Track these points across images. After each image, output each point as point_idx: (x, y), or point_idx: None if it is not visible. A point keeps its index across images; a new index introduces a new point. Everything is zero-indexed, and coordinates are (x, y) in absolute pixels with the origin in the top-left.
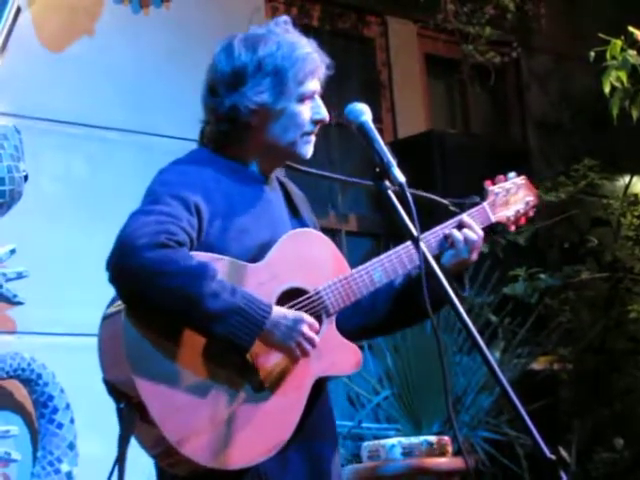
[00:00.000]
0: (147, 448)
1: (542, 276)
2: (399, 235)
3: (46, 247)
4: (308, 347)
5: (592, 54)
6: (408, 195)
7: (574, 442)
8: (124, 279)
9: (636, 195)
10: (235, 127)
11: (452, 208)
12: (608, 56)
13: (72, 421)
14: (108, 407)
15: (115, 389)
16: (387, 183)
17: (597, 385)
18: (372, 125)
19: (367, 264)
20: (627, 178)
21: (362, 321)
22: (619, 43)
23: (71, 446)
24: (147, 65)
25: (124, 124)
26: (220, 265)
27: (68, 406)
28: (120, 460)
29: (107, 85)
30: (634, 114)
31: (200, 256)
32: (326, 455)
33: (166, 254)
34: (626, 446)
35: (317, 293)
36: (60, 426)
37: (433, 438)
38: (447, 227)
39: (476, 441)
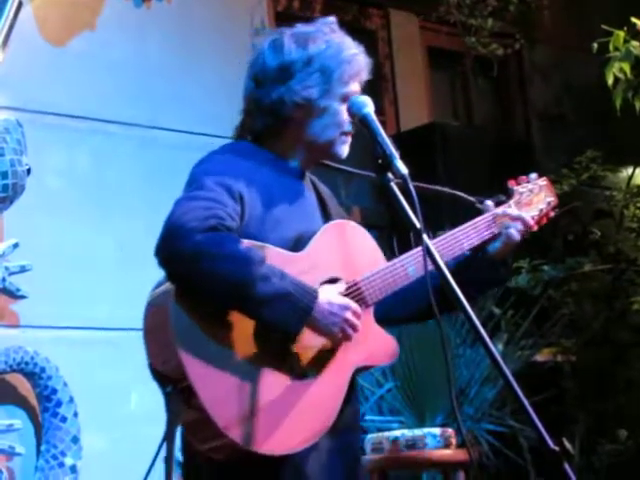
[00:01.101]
0: (191, 432)
1: (545, 268)
2: (403, 227)
3: (49, 241)
4: (351, 334)
5: (595, 46)
6: (411, 187)
7: (578, 434)
8: (175, 262)
9: (639, 187)
10: (277, 120)
11: (478, 206)
12: (611, 47)
13: (76, 415)
14: (112, 401)
15: (161, 374)
16: (390, 175)
17: (600, 377)
18: (375, 117)
19: (402, 257)
20: (630, 170)
21: (402, 312)
22: (622, 34)
23: (75, 440)
24: (149, 59)
25: (127, 118)
26: (266, 253)
27: (72, 399)
28: (169, 443)
29: (109, 79)
30: (637, 105)
31: (249, 244)
32: (354, 445)
33: (217, 237)
34: (630, 437)
35: (355, 284)
36: (64, 420)
37: (437, 430)
38: (485, 219)
39: (480, 433)
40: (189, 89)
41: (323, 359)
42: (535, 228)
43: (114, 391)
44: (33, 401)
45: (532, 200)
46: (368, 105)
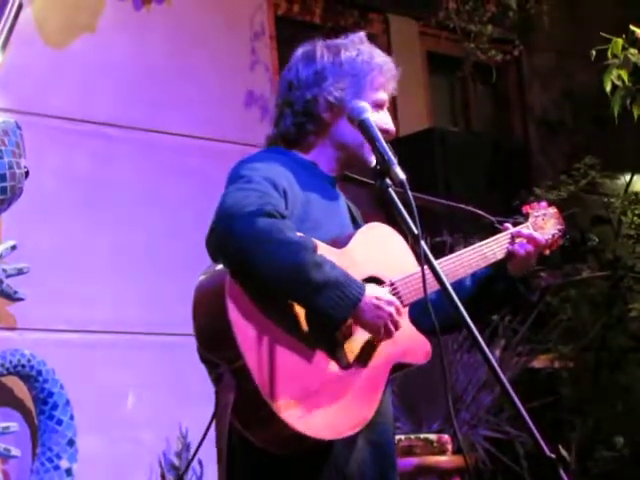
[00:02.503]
0: (243, 420)
1: (542, 274)
2: (400, 233)
3: (47, 243)
4: (393, 330)
5: (593, 52)
6: (409, 193)
7: (574, 440)
8: (233, 243)
9: (637, 193)
10: (309, 121)
11: (497, 226)
12: (609, 55)
13: (72, 417)
14: (108, 404)
15: (214, 355)
16: (388, 181)
17: (597, 383)
18: (373, 123)
19: (437, 261)
20: (628, 176)
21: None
22: (620, 42)
23: (71, 442)
24: (149, 62)
25: (125, 120)
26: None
27: (68, 402)
28: (220, 429)
29: (109, 82)
30: (635, 113)
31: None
32: (388, 439)
33: (275, 222)
34: (626, 444)
35: (392, 284)
36: (60, 422)
37: (433, 436)
38: (500, 238)
39: (476, 439)
40: (188, 92)
41: (367, 352)
42: (547, 252)
43: (111, 394)
44: (29, 404)
45: (545, 225)
46: (367, 110)
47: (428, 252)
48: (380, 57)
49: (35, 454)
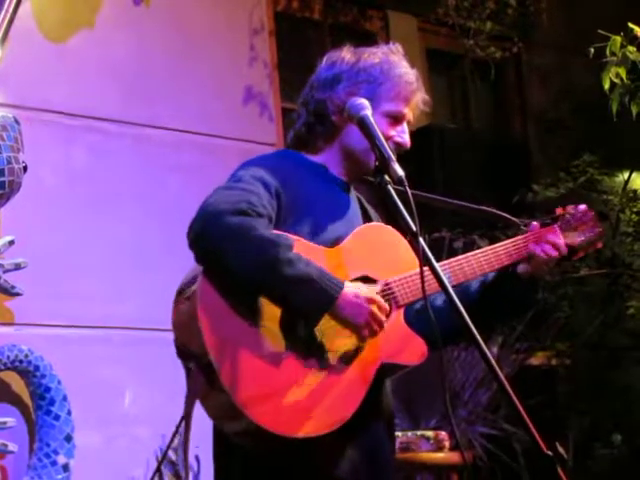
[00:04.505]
0: (214, 415)
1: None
2: (399, 230)
3: (45, 238)
4: (376, 327)
5: (592, 50)
6: (408, 190)
7: (572, 438)
8: (204, 242)
9: (635, 191)
10: (319, 122)
11: (523, 227)
12: (608, 52)
13: (69, 413)
14: (106, 399)
15: (185, 350)
16: (386, 178)
17: (595, 381)
18: (372, 119)
19: (440, 264)
20: (626, 174)
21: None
22: (619, 39)
23: (68, 438)
24: (147, 57)
25: (124, 116)
26: (298, 245)
27: (65, 398)
28: (186, 420)
29: (107, 77)
30: (634, 110)
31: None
32: (384, 444)
33: (246, 220)
34: (624, 442)
35: (387, 284)
36: (57, 418)
37: (430, 433)
38: (520, 241)
39: (474, 436)
40: (186, 88)
41: (350, 351)
42: (580, 254)
43: (108, 389)
44: (26, 399)
45: (578, 227)
46: (366, 107)
47: (427, 250)
48: (402, 69)
49: (32, 449)
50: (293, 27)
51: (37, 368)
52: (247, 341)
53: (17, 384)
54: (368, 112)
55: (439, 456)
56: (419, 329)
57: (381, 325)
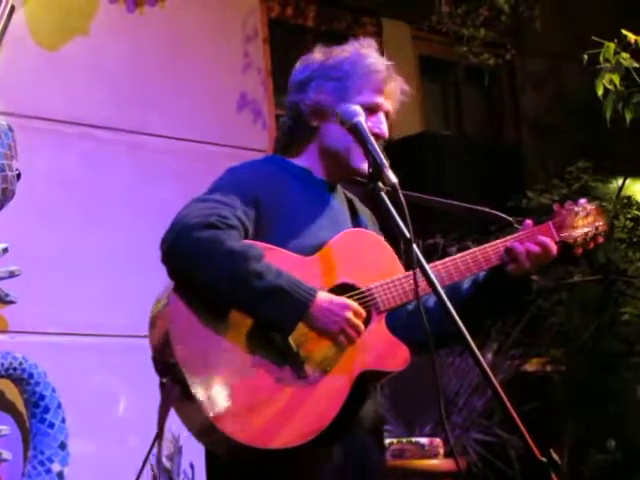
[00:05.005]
0: (188, 426)
1: (535, 277)
2: (393, 237)
3: (39, 246)
4: (353, 334)
5: (586, 57)
6: (401, 196)
7: (566, 444)
8: (174, 257)
9: (629, 197)
10: (297, 126)
11: (517, 226)
12: (602, 59)
13: (64, 421)
14: (100, 407)
15: (161, 365)
16: (380, 184)
17: (589, 387)
18: (365, 126)
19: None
20: (620, 180)
21: (421, 336)
22: (612, 46)
23: (62, 446)
24: (141, 64)
25: (118, 123)
26: (274, 255)
27: (60, 406)
28: (159, 434)
29: (101, 84)
30: (627, 116)
31: (255, 244)
32: (371, 451)
33: (215, 234)
34: (618, 447)
35: (368, 290)
36: (51, 426)
37: (425, 440)
38: (507, 241)
39: (468, 443)
40: (180, 95)
41: (327, 360)
42: (579, 251)
43: (103, 397)
44: (21, 407)
45: (577, 223)
46: (359, 114)
47: (420, 256)
48: (370, 59)
49: (27, 457)
50: (287, 34)
51: (31, 376)
52: (220, 355)
53: (11, 392)
54: (361, 118)
55: (433, 463)
56: (411, 332)
57: (357, 331)
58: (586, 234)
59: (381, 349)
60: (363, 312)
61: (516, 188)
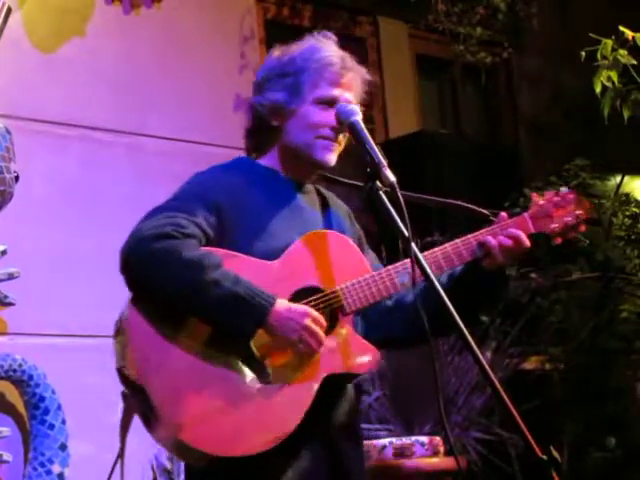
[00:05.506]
0: (154, 437)
1: (533, 275)
2: (391, 236)
3: (37, 248)
4: (312, 342)
5: (583, 54)
6: (399, 195)
7: (566, 442)
8: (130, 268)
9: (627, 195)
10: (259, 126)
11: (493, 219)
12: (599, 56)
13: (64, 422)
14: (100, 408)
15: (122, 377)
16: (378, 183)
17: (589, 385)
18: (363, 125)
19: (390, 267)
20: (618, 178)
21: (404, 332)
22: (610, 43)
23: (62, 447)
24: (138, 66)
25: (115, 125)
26: (235, 262)
27: (60, 407)
28: (121, 442)
29: (98, 86)
30: (625, 114)
31: (216, 252)
32: (346, 451)
33: (170, 244)
34: (618, 445)
35: (334, 292)
36: (51, 427)
37: (425, 438)
38: (481, 234)
39: (468, 441)
40: (177, 96)
41: (290, 366)
42: (558, 241)
43: (102, 398)
44: (21, 408)
45: (554, 212)
46: (356, 113)
47: (419, 255)
48: (323, 52)
49: (27, 459)
50: (283, 35)
51: (31, 377)
52: (180, 364)
53: (11, 394)
54: (358, 117)
55: (433, 461)
56: (394, 329)
57: (317, 338)
58: (565, 224)
59: (348, 351)
60: (322, 319)
61: (513, 186)
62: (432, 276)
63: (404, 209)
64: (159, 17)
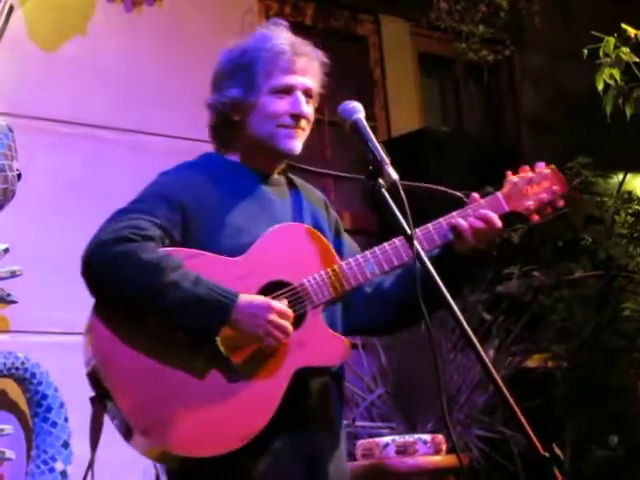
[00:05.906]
0: (126, 439)
1: (536, 274)
2: (393, 232)
3: (39, 246)
4: (278, 335)
5: (585, 52)
6: (402, 192)
7: (568, 440)
8: (90, 273)
9: (630, 192)
10: (222, 124)
11: (466, 200)
12: (601, 54)
13: (66, 420)
14: None
15: (90, 381)
16: (381, 181)
17: (591, 383)
18: (365, 123)
19: (358, 256)
20: (621, 175)
21: (383, 319)
22: (612, 40)
23: (65, 445)
24: (139, 64)
25: (117, 123)
26: (199, 261)
27: (62, 405)
28: (92, 446)
29: (100, 84)
30: (628, 111)
31: (178, 252)
32: (322, 445)
33: (128, 248)
34: (620, 444)
35: (301, 285)
36: (54, 425)
37: (427, 436)
38: (452, 217)
39: (470, 439)
40: (179, 94)
41: (258, 361)
42: (535, 219)
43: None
44: (23, 406)
45: (529, 190)
46: (359, 111)
47: (422, 252)
48: (273, 41)
49: (30, 456)
50: None
51: (34, 375)
52: (144, 367)
53: (14, 391)
54: (360, 115)
55: (436, 459)
56: (372, 317)
57: (283, 331)
58: (540, 200)
59: (318, 345)
60: (288, 311)
61: None
62: (433, 272)
63: (406, 206)
64: (160, 15)
